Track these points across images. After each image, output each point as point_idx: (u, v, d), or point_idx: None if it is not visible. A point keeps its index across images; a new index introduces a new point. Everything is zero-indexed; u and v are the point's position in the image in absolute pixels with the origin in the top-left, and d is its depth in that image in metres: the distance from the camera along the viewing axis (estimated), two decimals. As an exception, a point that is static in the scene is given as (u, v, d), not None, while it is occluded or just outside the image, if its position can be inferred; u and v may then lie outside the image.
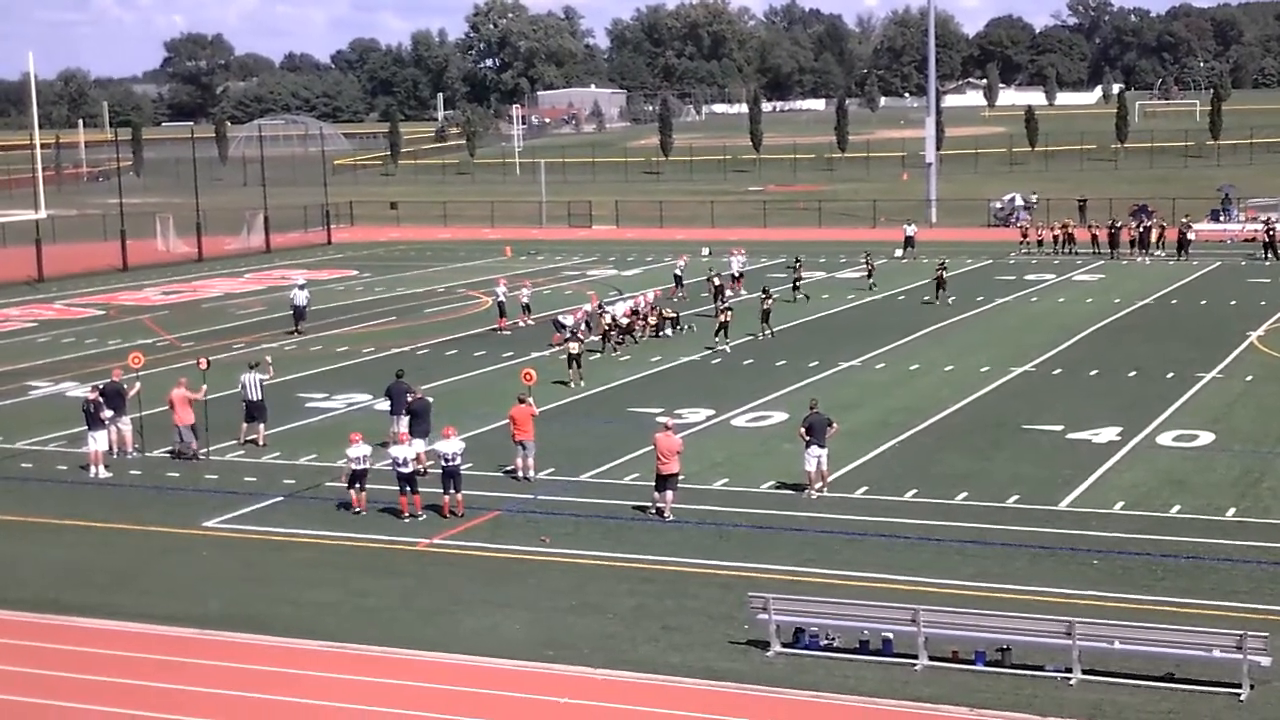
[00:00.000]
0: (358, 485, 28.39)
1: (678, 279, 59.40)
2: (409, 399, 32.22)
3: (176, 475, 31.96)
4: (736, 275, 60.58)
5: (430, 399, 32.65)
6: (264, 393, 34.64)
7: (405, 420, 31.60)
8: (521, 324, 51.58)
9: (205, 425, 33.43)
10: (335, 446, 32.44)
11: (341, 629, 22.10)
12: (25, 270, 71.84)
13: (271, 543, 26.88)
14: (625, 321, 47.54)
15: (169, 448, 33.49)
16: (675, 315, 50.32)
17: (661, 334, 48.74)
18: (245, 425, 34.47)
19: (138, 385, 34.51)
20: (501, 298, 51.81)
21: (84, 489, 31.12)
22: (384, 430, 32.71)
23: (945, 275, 56.70)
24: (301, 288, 54.21)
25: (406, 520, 27.61)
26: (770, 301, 49.08)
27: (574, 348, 41.27)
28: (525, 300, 52.81)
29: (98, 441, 32.14)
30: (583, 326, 46.98)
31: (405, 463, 27.72)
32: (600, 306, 48.74)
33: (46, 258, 72.52)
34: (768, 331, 48.29)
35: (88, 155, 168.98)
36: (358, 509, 28.28)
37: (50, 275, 71.49)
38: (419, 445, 30.32)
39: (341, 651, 21.21)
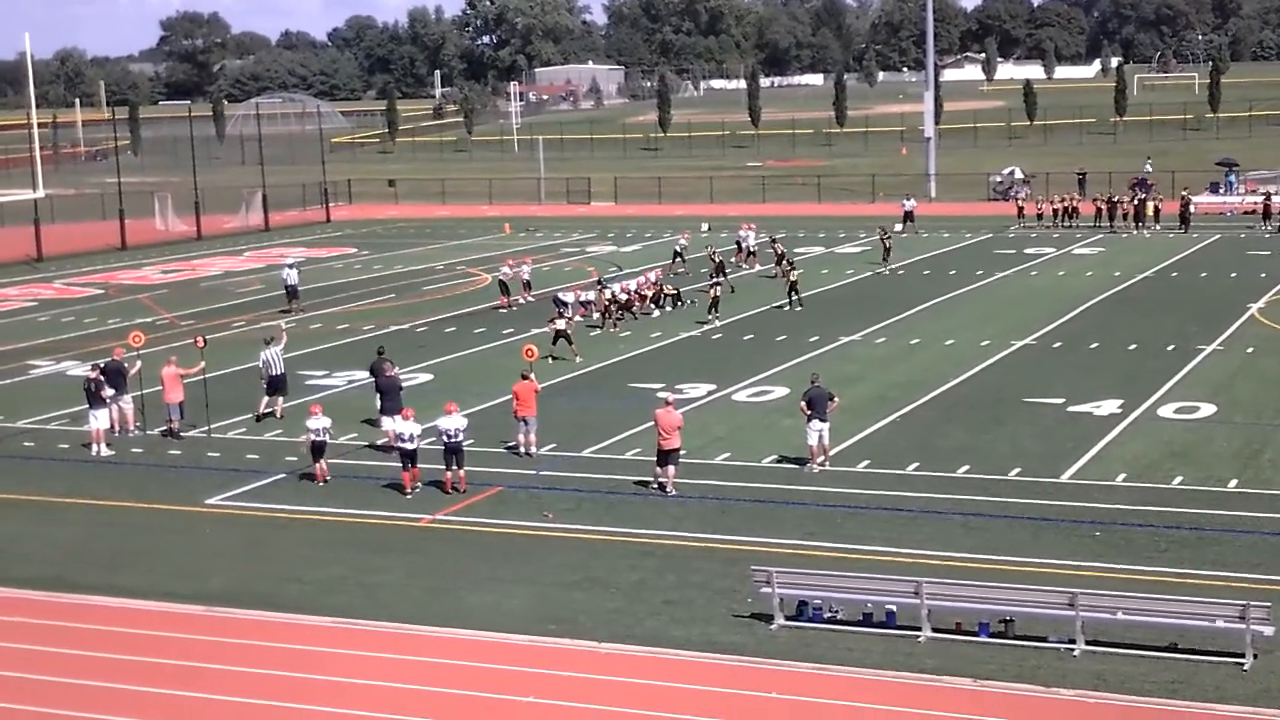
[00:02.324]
0: (318, 456, 28.79)
1: (677, 254, 59.37)
2: (383, 376, 32.26)
3: (178, 453, 31.98)
4: (752, 250, 60.70)
5: (400, 379, 32.60)
6: (284, 366, 35.02)
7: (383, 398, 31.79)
8: (523, 300, 51.54)
9: (206, 403, 33.44)
10: (337, 424, 32.39)
11: (345, 605, 22.12)
12: (24, 250, 71.78)
13: (274, 520, 26.91)
14: (624, 298, 47.52)
15: (163, 426, 33.52)
16: (676, 291, 50.28)
17: (659, 309, 48.64)
18: (265, 399, 34.59)
19: (138, 364, 34.54)
20: (503, 276, 51.74)
21: (86, 467, 31.14)
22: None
23: (889, 243, 58.99)
24: (291, 266, 54.23)
25: (409, 496, 27.65)
26: (796, 273, 49.36)
27: (560, 324, 41.36)
28: (526, 277, 52.78)
29: (99, 420, 32.17)
30: (581, 303, 46.93)
31: (410, 438, 27.75)
32: (600, 283, 48.73)
33: (45, 237, 72.43)
34: (797, 304, 48.43)
35: (85, 134, 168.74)
36: (321, 480, 28.70)
37: (49, 255, 71.42)
38: (386, 424, 30.66)
39: (346, 627, 21.25)
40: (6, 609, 22.53)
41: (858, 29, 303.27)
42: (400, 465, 27.99)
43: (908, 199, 75.14)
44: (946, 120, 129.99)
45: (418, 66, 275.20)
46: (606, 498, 27.47)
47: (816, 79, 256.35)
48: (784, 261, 53.50)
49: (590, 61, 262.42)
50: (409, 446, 27.73)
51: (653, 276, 50.97)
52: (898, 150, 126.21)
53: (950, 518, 25.52)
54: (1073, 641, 19.48)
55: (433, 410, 30.17)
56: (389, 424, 30.60)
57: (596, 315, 46.77)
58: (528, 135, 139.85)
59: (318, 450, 28.77)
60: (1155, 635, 19.44)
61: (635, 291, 48.55)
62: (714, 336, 44.47)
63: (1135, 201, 71.53)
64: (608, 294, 46.83)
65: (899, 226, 70.79)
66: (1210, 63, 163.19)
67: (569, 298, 45.96)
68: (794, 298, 48.73)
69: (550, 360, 39.56)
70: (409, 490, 27.79)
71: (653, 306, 48.78)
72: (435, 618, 21.48)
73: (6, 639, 21.24)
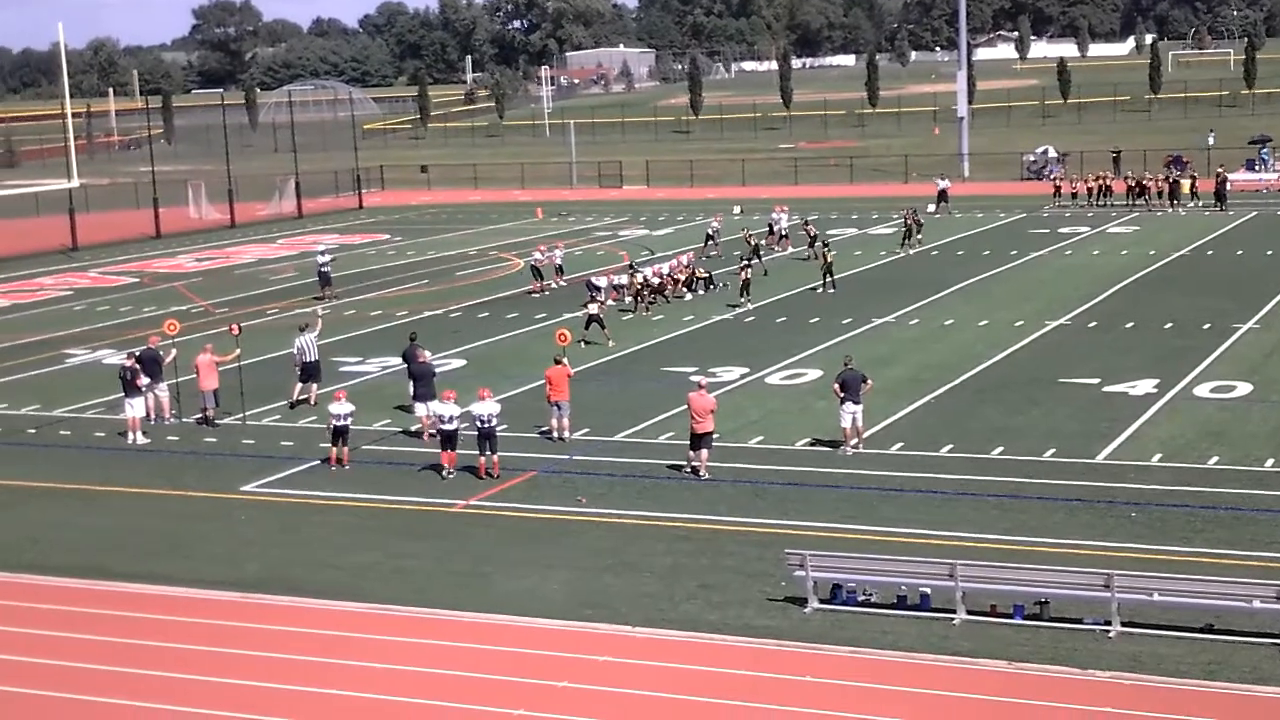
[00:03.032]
0: (340, 441, 29.05)
1: (709, 237, 59.25)
2: (416, 363, 32.28)
3: (214, 440, 32.12)
4: (784, 233, 60.58)
5: (433, 364, 32.63)
6: (319, 353, 35.19)
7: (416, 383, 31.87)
8: (555, 285, 51.53)
9: (241, 390, 33.58)
10: (371, 410, 32.61)
11: (380, 590, 22.19)
12: (60, 239, 72.17)
13: (309, 506, 27.00)
14: (656, 282, 47.48)
15: (198, 414, 33.68)
16: (708, 274, 50.21)
17: (691, 292, 48.61)
18: (299, 386, 34.73)
19: (174, 352, 34.70)
20: (535, 262, 51.74)
21: (122, 455, 31.31)
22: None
23: (914, 221, 58.96)
24: (325, 253, 54.43)
25: (445, 479, 27.72)
26: (832, 254, 49.22)
27: (593, 309, 41.39)
28: (558, 262, 52.76)
29: (135, 408, 32.34)
30: (613, 287, 46.93)
31: (450, 419, 27.84)
32: (632, 267, 48.70)
33: (80, 226, 72.82)
34: (830, 286, 48.25)
35: (119, 124, 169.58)
36: (339, 464, 29.02)
37: (84, 244, 71.79)
38: (420, 410, 30.79)
39: (380, 613, 21.31)
40: (44, 597, 22.68)
41: (890, 8, 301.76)
42: (439, 447, 28.11)
43: (941, 179, 74.80)
44: (979, 99, 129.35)
45: (449, 52, 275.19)
46: (640, 482, 27.46)
47: (848, 60, 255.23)
48: (818, 243, 53.34)
49: (621, 45, 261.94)
50: (449, 428, 27.83)
51: (685, 260, 50.90)
52: (931, 130, 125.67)
53: (985, 499, 25.43)
54: (1108, 623, 19.39)
55: (466, 396, 30.16)
56: (422, 409, 30.79)
57: (629, 299, 46.74)
58: (559, 119, 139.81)
59: (339, 435, 29.00)
60: (1191, 617, 19.33)
61: (667, 275, 48.51)
62: (746, 319, 44.39)
63: (1170, 180, 71.06)
64: (640, 278, 46.80)
65: (932, 207, 70.52)
66: (1245, 39, 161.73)
67: (601, 282, 45.98)
68: (828, 280, 48.56)
69: (583, 345, 39.57)
70: (448, 472, 27.86)
71: (685, 290, 48.74)
72: (469, 603, 21.52)
73: (44, 627, 21.38)
